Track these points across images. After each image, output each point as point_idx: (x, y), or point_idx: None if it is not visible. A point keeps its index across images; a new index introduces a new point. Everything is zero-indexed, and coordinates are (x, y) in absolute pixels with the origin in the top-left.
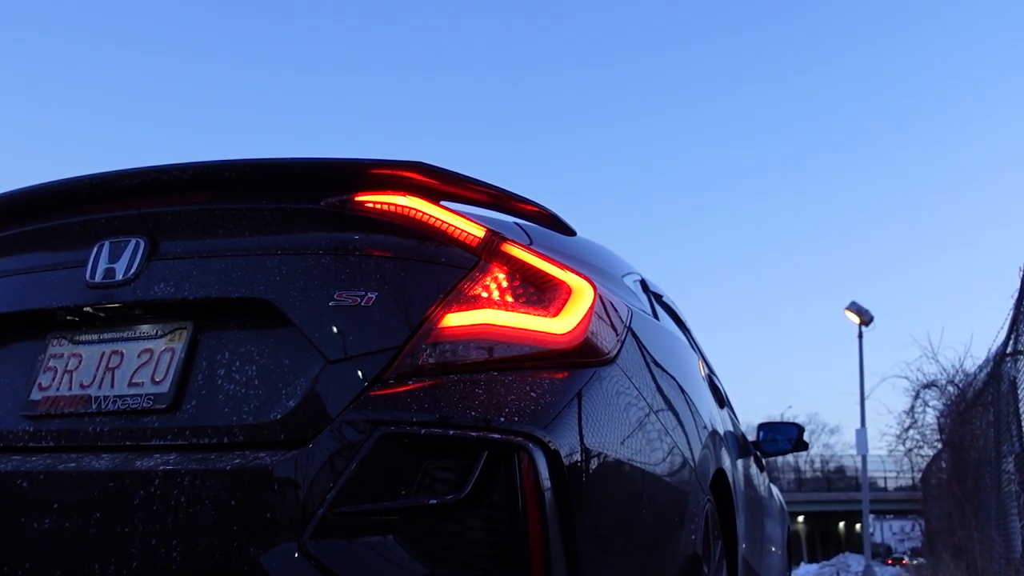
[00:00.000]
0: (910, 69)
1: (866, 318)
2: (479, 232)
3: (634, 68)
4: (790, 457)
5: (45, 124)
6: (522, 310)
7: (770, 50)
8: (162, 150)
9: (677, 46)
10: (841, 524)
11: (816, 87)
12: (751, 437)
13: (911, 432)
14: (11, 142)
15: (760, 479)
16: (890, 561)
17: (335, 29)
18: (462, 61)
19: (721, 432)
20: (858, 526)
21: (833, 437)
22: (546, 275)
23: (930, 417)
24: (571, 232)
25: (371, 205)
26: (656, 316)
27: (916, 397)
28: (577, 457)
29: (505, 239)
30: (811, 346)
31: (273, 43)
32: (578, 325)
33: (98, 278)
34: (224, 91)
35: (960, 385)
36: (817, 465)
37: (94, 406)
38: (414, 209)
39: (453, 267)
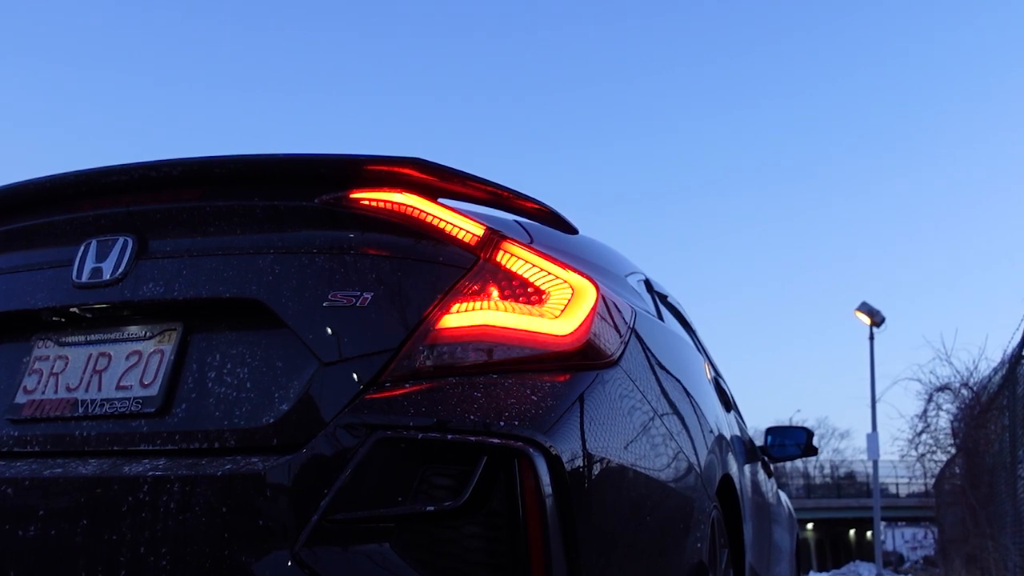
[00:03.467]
0: (924, 68)
1: (877, 319)
2: (478, 230)
3: (639, 68)
4: (799, 462)
5: (37, 123)
6: (523, 311)
7: (779, 49)
8: (154, 148)
9: (682, 46)
10: (851, 531)
11: (826, 86)
12: (759, 442)
13: (924, 437)
14: (8, 141)
15: (768, 485)
16: None
17: (334, 28)
18: (462, 59)
19: (728, 436)
20: (869, 533)
21: (843, 442)
22: (548, 275)
23: (943, 421)
24: (573, 230)
25: (367, 202)
26: (661, 317)
27: (929, 400)
28: (579, 462)
29: (505, 237)
30: (821, 348)
31: (266, 42)
32: (580, 326)
33: (85, 278)
34: (220, 89)
35: (974, 388)
36: (827, 471)
37: (81, 409)
38: (411, 207)
39: (451, 266)
